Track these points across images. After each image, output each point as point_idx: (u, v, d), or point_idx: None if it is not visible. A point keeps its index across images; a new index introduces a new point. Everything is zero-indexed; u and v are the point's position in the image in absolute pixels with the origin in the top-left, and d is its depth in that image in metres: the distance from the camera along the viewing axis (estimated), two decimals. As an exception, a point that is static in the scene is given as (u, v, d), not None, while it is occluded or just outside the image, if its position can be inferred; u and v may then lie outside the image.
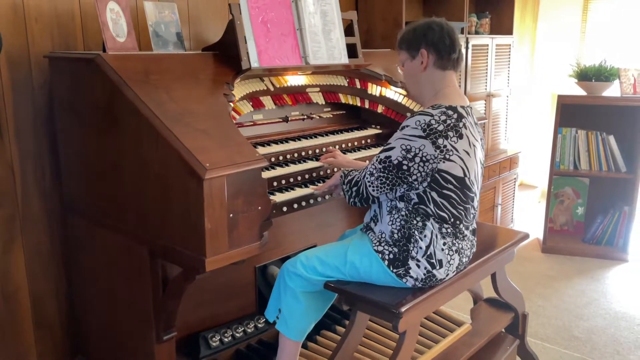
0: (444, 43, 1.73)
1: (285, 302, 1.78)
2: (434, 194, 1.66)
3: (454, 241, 1.71)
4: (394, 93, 2.48)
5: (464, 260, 1.77)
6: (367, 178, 1.71)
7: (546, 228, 4.12)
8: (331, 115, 2.50)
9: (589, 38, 4.82)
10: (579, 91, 4.02)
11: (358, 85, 2.44)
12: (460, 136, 1.66)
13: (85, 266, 2.06)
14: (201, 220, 1.50)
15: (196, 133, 1.59)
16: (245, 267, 2.27)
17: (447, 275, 1.72)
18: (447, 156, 1.63)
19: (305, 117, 2.37)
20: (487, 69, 3.89)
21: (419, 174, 1.63)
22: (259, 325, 2.30)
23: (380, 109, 2.50)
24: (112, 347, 2.02)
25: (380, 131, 2.53)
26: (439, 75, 1.76)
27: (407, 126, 1.66)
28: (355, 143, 2.42)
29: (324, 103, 2.39)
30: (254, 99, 2.13)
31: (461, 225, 1.72)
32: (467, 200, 1.70)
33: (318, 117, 2.42)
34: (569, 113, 3.98)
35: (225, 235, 1.56)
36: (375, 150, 2.40)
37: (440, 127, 1.63)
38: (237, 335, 2.21)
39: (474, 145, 1.71)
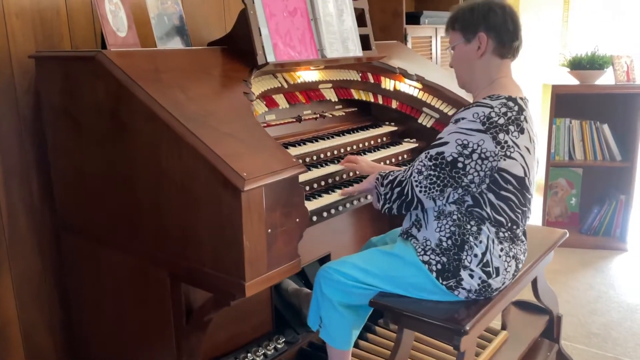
0: (507, 28, 1.56)
1: (324, 310, 1.61)
2: (492, 196, 1.49)
3: (511, 246, 1.55)
4: (408, 87, 2.32)
5: (519, 266, 1.61)
6: (414, 177, 1.52)
7: (544, 221, 4.05)
8: (343, 113, 2.31)
9: (572, 27, 4.79)
10: (568, 80, 3.96)
11: (371, 80, 2.27)
12: (522, 131, 1.50)
13: (86, 291, 1.82)
14: (239, 237, 1.29)
15: (224, 137, 1.38)
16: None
17: (503, 284, 1.56)
18: (508, 153, 1.47)
19: (318, 115, 2.18)
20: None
21: (475, 174, 1.46)
22: (279, 345, 2.10)
23: (394, 104, 2.33)
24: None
25: (395, 128, 2.36)
26: (496, 63, 1.59)
27: (463, 119, 1.48)
28: (372, 142, 2.25)
29: (336, 100, 2.20)
30: (267, 97, 1.92)
31: (517, 230, 1.56)
32: (526, 202, 1.55)
33: (331, 116, 2.24)
34: (562, 103, 3.92)
35: (264, 253, 1.36)
36: (392, 149, 2.23)
37: (501, 121, 1.47)
38: (258, 358, 2.00)
39: (533, 141, 1.55)
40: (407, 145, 2.30)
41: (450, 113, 2.27)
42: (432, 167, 1.49)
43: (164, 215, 1.46)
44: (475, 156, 1.45)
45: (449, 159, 1.47)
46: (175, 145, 1.37)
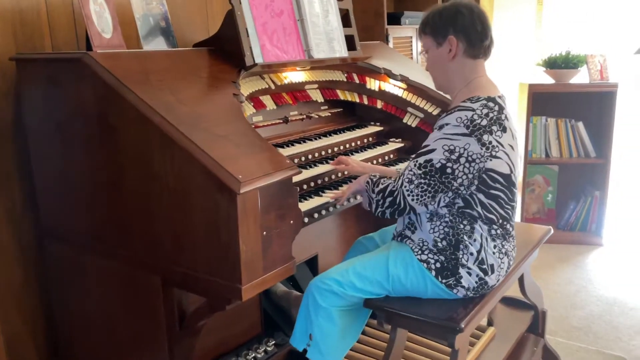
0: (475, 29, 1.58)
1: (317, 325, 1.59)
2: (481, 196, 1.51)
3: (503, 243, 1.57)
4: (393, 87, 2.33)
5: (510, 262, 1.64)
6: (405, 187, 1.53)
7: (522, 217, 4.12)
8: (329, 114, 2.31)
9: (545, 27, 4.88)
10: (542, 80, 4.04)
11: (357, 80, 2.27)
12: (504, 129, 1.53)
13: (72, 300, 1.77)
14: (235, 241, 1.28)
15: (217, 140, 1.36)
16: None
17: (497, 280, 1.58)
18: (494, 153, 1.49)
19: (305, 116, 2.17)
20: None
21: (464, 177, 1.48)
22: (269, 348, 2.08)
23: (379, 104, 2.34)
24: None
25: (381, 128, 2.37)
26: (469, 64, 1.61)
27: (447, 124, 1.50)
28: (359, 142, 2.25)
29: (322, 101, 2.20)
30: (254, 98, 1.91)
31: (508, 225, 1.58)
32: (513, 197, 1.57)
33: (317, 117, 2.23)
34: (539, 102, 3.99)
35: (260, 256, 1.34)
36: (379, 149, 2.24)
37: (484, 122, 1.48)
38: (249, 361, 1.99)
39: (515, 137, 1.58)
40: (393, 145, 2.31)
41: (434, 113, 2.28)
42: (422, 176, 1.50)
43: (155, 220, 1.43)
44: (462, 160, 1.47)
45: (438, 165, 1.48)
46: (167, 149, 1.34)
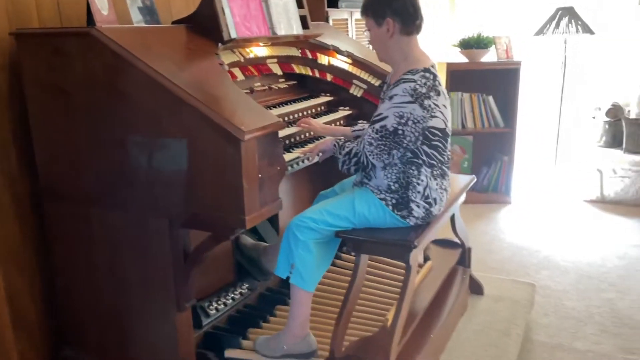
0: (408, 11, 1.94)
1: (297, 255, 1.91)
2: (425, 147, 1.90)
3: (442, 181, 1.98)
4: (340, 62, 2.67)
5: (447, 197, 2.05)
6: (366, 149, 1.89)
7: (444, 182, 4.63)
8: (287, 86, 2.62)
9: (458, 11, 5.42)
10: (458, 59, 4.56)
11: (309, 56, 2.59)
12: (438, 93, 1.92)
13: (74, 252, 1.98)
14: (239, 181, 1.58)
15: (218, 99, 1.65)
16: (222, 238, 2.33)
17: (439, 210, 1.99)
18: (433, 114, 1.88)
19: (267, 87, 2.47)
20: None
21: (412, 136, 1.86)
22: (243, 291, 2.38)
23: (329, 77, 2.67)
24: (113, 328, 1.98)
25: (331, 98, 2.71)
26: (405, 40, 1.98)
27: (395, 95, 1.86)
28: (313, 110, 2.57)
29: (280, 73, 2.50)
30: (228, 71, 2.18)
31: (445, 167, 1.99)
32: (447, 145, 1.98)
33: (277, 88, 2.54)
34: (455, 78, 4.49)
35: (257, 194, 1.65)
36: (331, 116, 2.58)
37: (424, 90, 1.86)
38: (228, 302, 2.28)
39: (446, 98, 1.98)
40: (342, 112, 2.67)
41: (376, 84, 2.66)
42: (379, 138, 1.87)
43: (164, 171, 1.69)
44: (410, 123, 1.85)
45: (391, 129, 1.85)
46: (177, 108, 1.61)
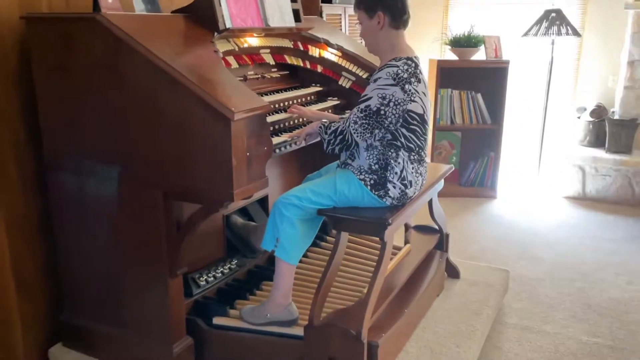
0: (397, 7, 2.10)
1: (282, 230, 2.07)
2: (404, 130, 2.06)
3: (418, 166, 2.13)
4: (330, 55, 2.82)
5: (423, 182, 2.21)
6: (351, 127, 2.04)
7: (432, 175, 4.79)
8: (279, 75, 2.77)
9: (451, 12, 5.57)
10: (448, 56, 4.71)
11: (301, 48, 2.74)
12: (419, 81, 2.08)
13: (72, 220, 2.13)
14: (228, 158, 1.73)
15: (211, 83, 1.80)
16: (215, 216, 2.48)
17: (414, 193, 2.14)
18: (412, 98, 2.04)
19: (260, 76, 2.62)
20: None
21: (393, 117, 2.02)
22: (232, 267, 2.54)
23: (319, 69, 2.82)
24: (110, 293, 2.14)
25: (320, 89, 2.86)
26: (393, 33, 2.14)
27: (379, 78, 2.02)
28: (304, 99, 2.72)
29: (273, 63, 2.65)
30: (222, 58, 2.32)
31: (422, 153, 2.15)
32: (425, 132, 2.13)
33: (269, 77, 2.68)
34: (445, 75, 4.65)
35: (244, 171, 1.80)
36: (320, 105, 2.72)
37: (405, 75, 2.02)
38: (217, 275, 2.44)
39: (427, 87, 2.13)
40: (331, 102, 2.81)
41: (364, 76, 2.81)
42: (364, 117, 2.02)
43: (159, 147, 1.85)
44: (391, 104, 2.00)
45: (374, 109, 2.01)
46: (172, 89, 1.76)
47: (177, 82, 1.75)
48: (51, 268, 2.29)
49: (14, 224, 2.15)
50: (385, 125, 2.03)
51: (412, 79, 2.04)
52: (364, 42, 2.26)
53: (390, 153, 2.07)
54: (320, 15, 3.50)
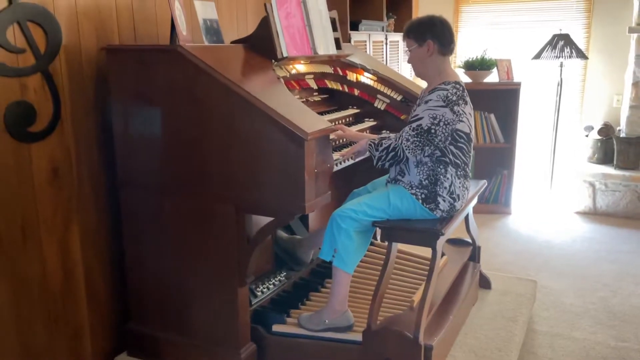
0: (445, 36, 2.31)
1: (340, 241, 2.23)
2: (452, 148, 2.24)
3: (464, 181, 2.32)
4: (366, 79, 3.03)
5: (468, 196, 2.39)
6: (404, 144, 2.22)
7: (448, 193, 4.98)
8: (320, 99, 2.96)
9: (462, 36, 5.82)
10: (462, 79, 4.92)
11: (340, 73, 2.94)
12: (466, 103, 2.27)
13: (143, 235, 2.29)
14: (301, 174, 1.90)
15: (282, 106, 1.98)
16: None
17: (461, 205, 2.32)
18: (460, 118, 2.23)
19: (304, 100, 2.81)
20: (398, 61, 4.61)
21: (442, 135, 2.20)
22: (281, 279, 2.70)
23: (356, 92, 3.02)
24: (177, 302, 2.28)
25: (357, 111, 3.05)
26: (440, 59, 2.34)
27: (430, 100, 2.22)
28: (343, 120, 2.91)
29: (315, 88, 2.84)
30: (277, 84, 2.52)
31: (467, 169, 2.33)
32: (470, 150, 2.32)
33: (312, 100, 2.88)
34: (460, 97, 4.85)
35: (313, 185, 1.98)
36: (359, 126, 2.91)
37: (454, 98, 2.22)
38: (270, 287, 2.59)
39: (472, 108, 2.33)
40: (368, 123, 3.01)
41: (398, 99, 3.01)
42: (415, 135, 2.21)
43: (232, 165, 2.02)
44: (441, 124, 2.19)
45: (425, 128, 2.20)
46: (247, 112, 1.94)
47: (252, 105, 1.93)
48: (117, 280, 2.44)
49: (87, 240, 2.31)
50: (435, 142, 2.21)
51: (460, 101, 2.23)
52: (411, 68, 2.45)
53: (439, 169, 2.25)
54: (349, 41, 3.71)
